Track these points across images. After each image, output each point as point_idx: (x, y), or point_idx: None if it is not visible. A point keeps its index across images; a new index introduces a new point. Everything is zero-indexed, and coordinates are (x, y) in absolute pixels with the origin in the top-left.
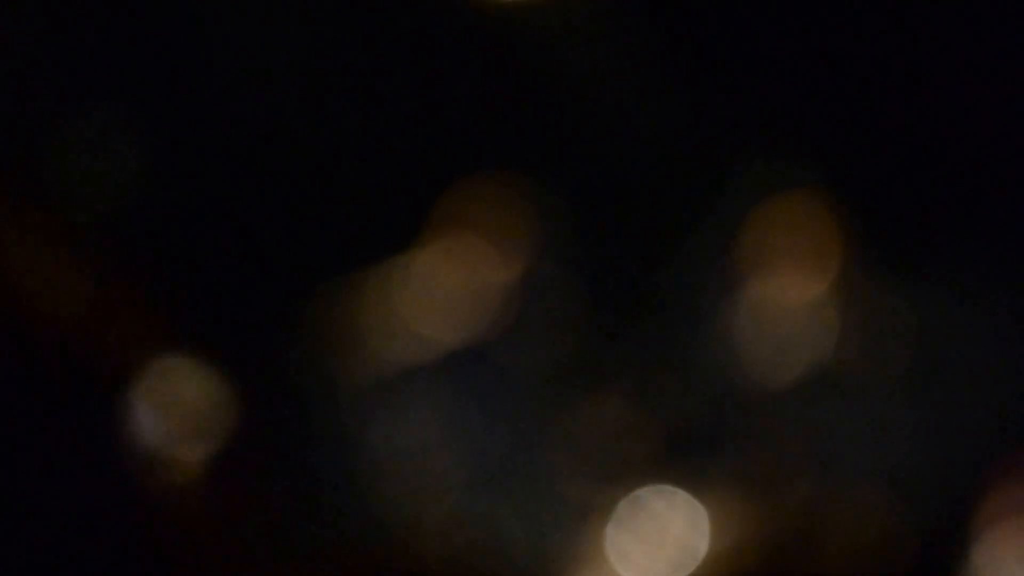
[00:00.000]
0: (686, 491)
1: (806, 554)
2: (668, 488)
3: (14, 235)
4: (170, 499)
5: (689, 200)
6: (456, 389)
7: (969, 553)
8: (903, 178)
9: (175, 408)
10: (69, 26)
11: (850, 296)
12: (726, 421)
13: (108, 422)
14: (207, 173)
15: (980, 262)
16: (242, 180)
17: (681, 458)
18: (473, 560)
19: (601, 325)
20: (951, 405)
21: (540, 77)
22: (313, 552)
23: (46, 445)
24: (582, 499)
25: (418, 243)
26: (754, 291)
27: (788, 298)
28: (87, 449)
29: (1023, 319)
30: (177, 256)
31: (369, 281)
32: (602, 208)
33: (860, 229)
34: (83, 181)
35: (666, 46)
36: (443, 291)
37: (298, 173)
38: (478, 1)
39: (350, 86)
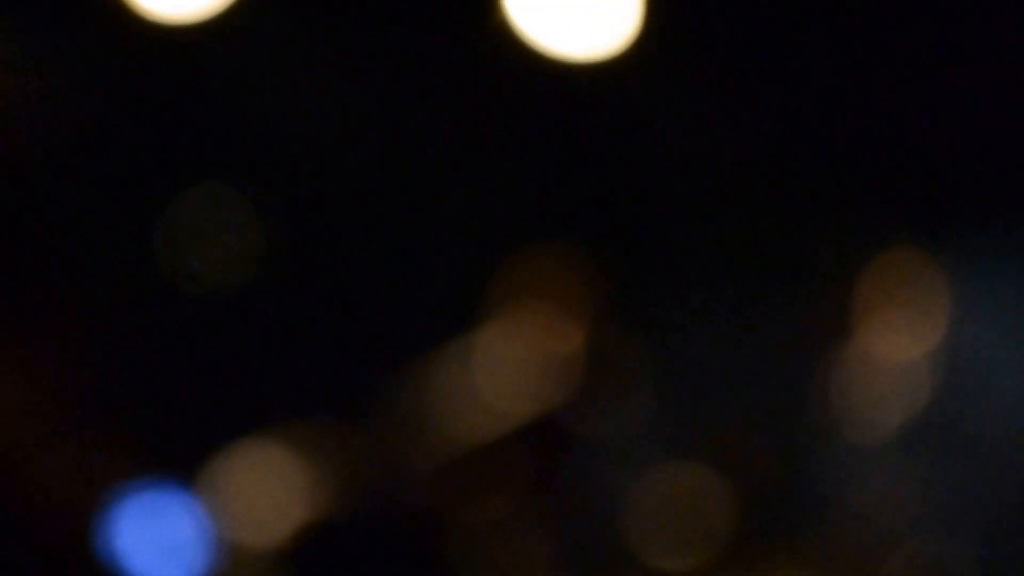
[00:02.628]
0: (772, 557)
1: None
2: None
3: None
4: None
5: (763, 260)
6: (533, 460)
7: None
8: (1006, 234)
9: (248, 493)
10: None
11: (946, 356)
12: (814, 486)
13: None
14: (272, 247)
15: None
16: (300, 253)
17: (766, 524)
18: None
19: (677, 391)
20: None
21: (606, 139)
22: None
23: None
24: (664, 569)
25: (483, 317)
26: (834, 351)
27: (879, 357)
28: None
29: None
30: (244, 341)
31: (437, 359)
32: (673, 269)
33: (958, 286)
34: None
35: (738, 102)
36: (512, 364)
37: (356, 250)
38: (527, 64)
39: (408, 160)
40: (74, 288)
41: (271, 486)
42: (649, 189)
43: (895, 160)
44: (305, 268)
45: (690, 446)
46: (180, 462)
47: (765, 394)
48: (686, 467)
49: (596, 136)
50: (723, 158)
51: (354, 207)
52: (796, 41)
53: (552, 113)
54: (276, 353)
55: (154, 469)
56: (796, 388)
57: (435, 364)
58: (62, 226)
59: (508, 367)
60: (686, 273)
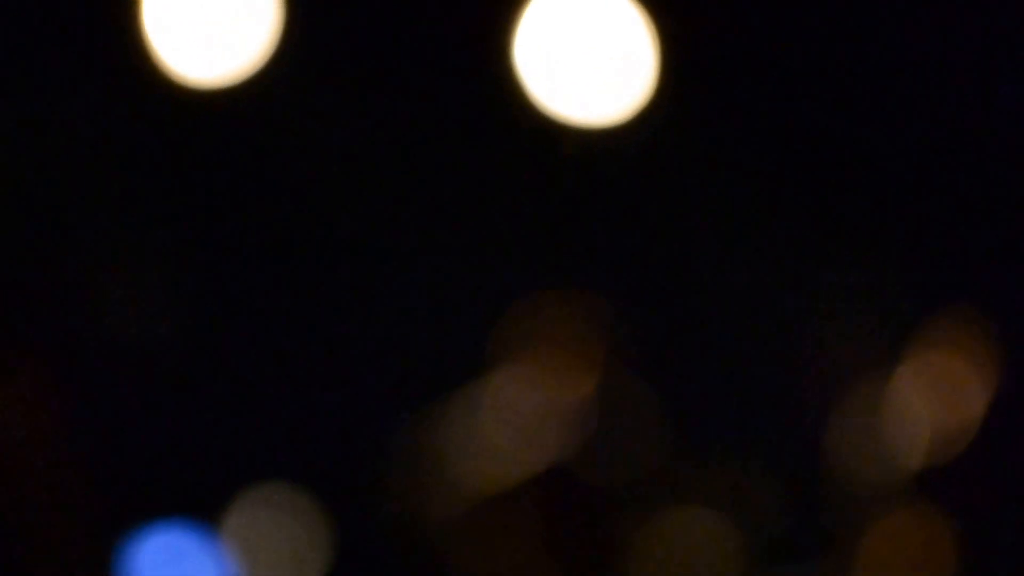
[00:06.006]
0: None
1: None
2: None
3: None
4: None
5: (771, 308)
6: (542, 508)
7: None
8: None
9: (266, 542)
10: None
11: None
12: (819, 529)
13: None
14: (276, 296)
15: None
16: (315, 300)
17: (774, 567)
18: None
19: (684, 436)
20: None
21: (617, 190)
22: None
23: None
24: None
25: (492, 364)
26: (849, 399)
27: (887, 403)
28: None
29: None
30: (261, 387)
31: (448, 406)
32: (687, 318)
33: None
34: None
35: (753, 159)
36: (521, 411)
37: (370, 299)
38: (547, 122)
39: (423, 211)
40: (104, 331)
41: (287, 531)
42: (663, 236)
43: (936, 215)
44: (318, 314)
45: (701, 493)
46: (200, 506)
47: (779, 439)
48: (697, 514)
49: (607, 187)
50: (736, 211)
51: (370, 257)
52: (813, 99)
53: (563, 166)
54: (292, 400)
55: (174, 512)
56: (813, 435)
57: (446, 411)
58: (84, 281)
59: (519, 414)
60: (700, 322)
